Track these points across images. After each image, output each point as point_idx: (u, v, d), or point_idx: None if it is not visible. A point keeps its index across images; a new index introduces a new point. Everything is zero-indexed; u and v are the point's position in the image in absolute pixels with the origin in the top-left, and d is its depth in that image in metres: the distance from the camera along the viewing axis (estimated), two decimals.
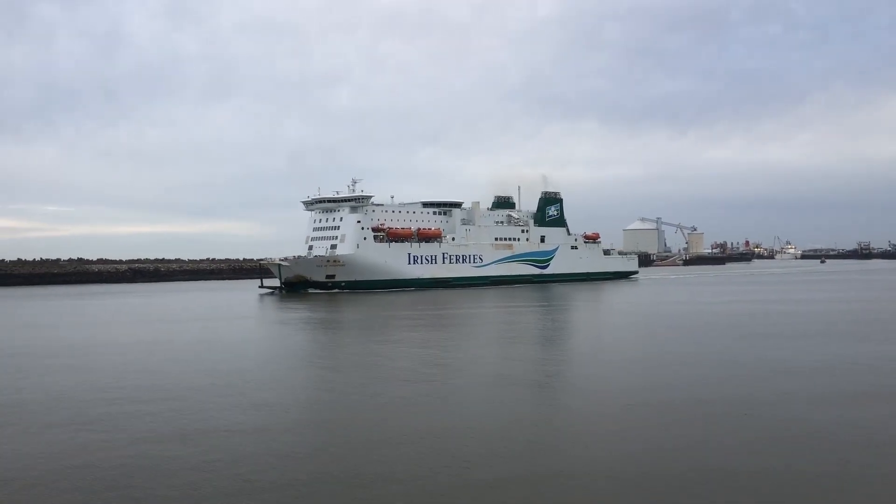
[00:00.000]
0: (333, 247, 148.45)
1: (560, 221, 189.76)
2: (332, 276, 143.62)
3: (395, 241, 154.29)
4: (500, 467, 26.17)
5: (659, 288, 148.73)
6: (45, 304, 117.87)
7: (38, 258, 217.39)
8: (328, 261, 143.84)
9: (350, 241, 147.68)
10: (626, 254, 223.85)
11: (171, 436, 30.25)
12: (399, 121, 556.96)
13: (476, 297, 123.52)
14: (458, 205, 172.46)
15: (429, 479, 24.94)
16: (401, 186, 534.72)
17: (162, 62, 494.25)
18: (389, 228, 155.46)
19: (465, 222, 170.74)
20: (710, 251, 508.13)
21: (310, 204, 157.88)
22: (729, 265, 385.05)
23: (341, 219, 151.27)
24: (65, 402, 37.12)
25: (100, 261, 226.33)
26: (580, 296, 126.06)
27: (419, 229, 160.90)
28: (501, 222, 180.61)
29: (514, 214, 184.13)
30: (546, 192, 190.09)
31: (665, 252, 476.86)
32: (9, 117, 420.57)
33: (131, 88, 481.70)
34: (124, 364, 49.75)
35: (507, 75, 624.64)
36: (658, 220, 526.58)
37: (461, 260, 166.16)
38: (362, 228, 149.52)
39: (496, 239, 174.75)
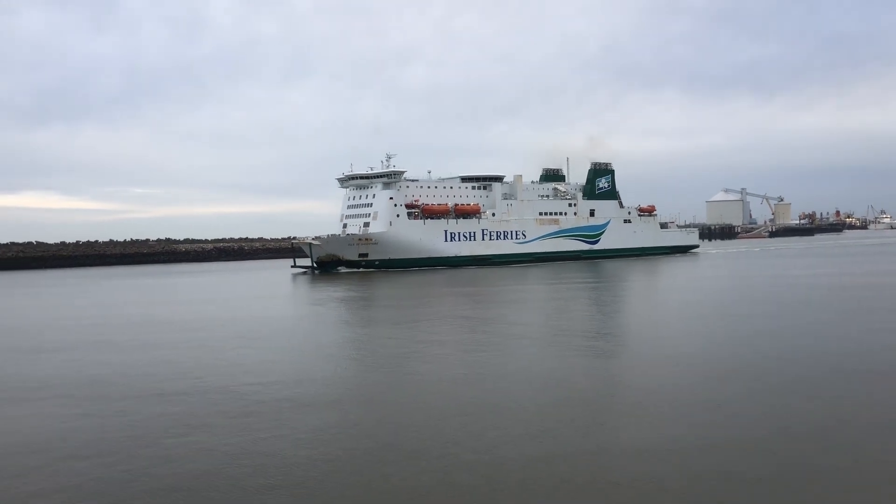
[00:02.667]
0: (366, 225, 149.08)
1: (611, 194, 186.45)
2: (365, 255, 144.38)
3: (431, 218, 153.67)
4: (547, 444, 25.51)
5: (726, 262, 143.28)
6: (142, 282, 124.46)
7: (128, 239, 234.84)
8: (360, 239, 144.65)
9: (382, 218, 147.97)
10: (686, 227, 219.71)
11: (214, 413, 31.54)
12: (474, 96, 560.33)
13: (518, 274, 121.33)
14: (499, 178, 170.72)
15: (470, 454, 24.51)
16: (473, 162, 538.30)
17: (242, 45, 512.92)
18: (424, 205, 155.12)
19: (506, 197, 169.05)
20: (797, 222, 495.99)
21: (343, 181, 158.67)
22: (818, 236, 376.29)
23: (374, 196, 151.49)
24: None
25: (186, 241, 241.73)
26: (634, 271, 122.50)
27: (456, 205, 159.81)
28: (547, 196, 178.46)
29: (560, 188, 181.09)
30: (596, 164, 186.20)
31: (750, 224, 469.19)
32: (99, 104, 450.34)
33: (213, 72, 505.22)
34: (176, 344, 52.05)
35: (585, 45, 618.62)
36: (742, 191, 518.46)
37: (502, 236, 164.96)
38: (395, 205, 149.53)
39: (541, 214, 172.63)
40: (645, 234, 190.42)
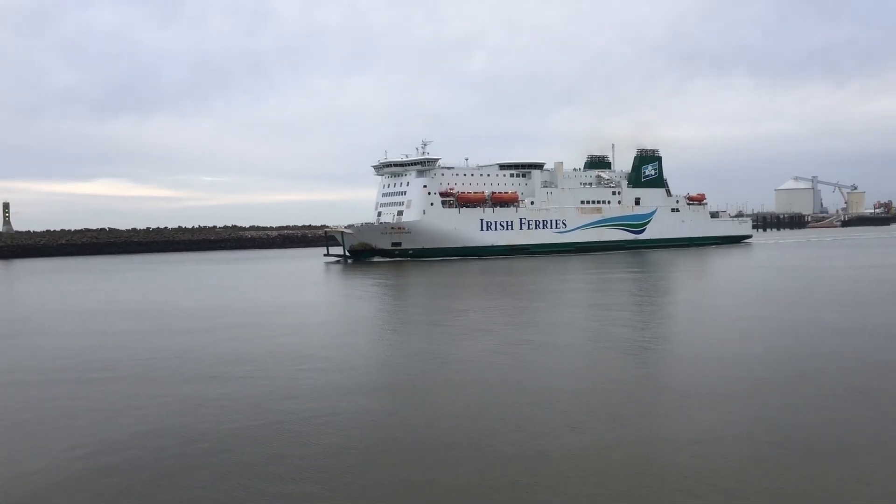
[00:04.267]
0: (400, 213, 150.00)
1: (658, 181, 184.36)
2: (398, 244, 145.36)
3: (466, 206, 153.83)
4: (586, 436, 25.79)
5: (780, 252, 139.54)
6: (205, 268, 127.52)
7: (196, 226, 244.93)
8: (392, 228, 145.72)
9: (416, 206, 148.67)
10: (738, 216, 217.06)
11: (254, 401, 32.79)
12: (534, 83, 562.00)
13: (558, 264, 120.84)
14: (538, 166, 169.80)
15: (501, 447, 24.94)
16: (534, 149, 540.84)
17: (305, 36, 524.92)
18: (460, 193, 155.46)
19: (546, 185, 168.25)
20: (872, 211, 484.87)
21: (378, 168, 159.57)
22: (895, 226, 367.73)
23: (408, 184, 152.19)
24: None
25: (252, 228, 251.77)
26: (681, 262, 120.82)
27: (493, 193, 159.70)
28: (589, 184, 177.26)
29: (604, 175, 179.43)
30: (642, 150, 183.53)
31: (821, 213, 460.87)
32: (168, 95, 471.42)
33: (277, 63, 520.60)
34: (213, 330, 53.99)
35: (649, 31, 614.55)
36: (813, 179, 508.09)
37: (541, 225, 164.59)
38: (429, 193, 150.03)
39: (582, 202, 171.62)
40: (694, 224, 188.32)
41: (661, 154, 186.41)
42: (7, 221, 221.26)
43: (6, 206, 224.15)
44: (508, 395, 30.88)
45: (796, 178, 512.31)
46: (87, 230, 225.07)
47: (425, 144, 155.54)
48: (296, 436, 25.92)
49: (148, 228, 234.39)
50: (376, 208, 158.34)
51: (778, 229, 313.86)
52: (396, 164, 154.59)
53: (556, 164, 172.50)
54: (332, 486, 21.32)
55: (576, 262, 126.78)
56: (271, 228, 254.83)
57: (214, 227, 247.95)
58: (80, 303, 74.18)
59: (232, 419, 28.22)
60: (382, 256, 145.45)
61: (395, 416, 28.51)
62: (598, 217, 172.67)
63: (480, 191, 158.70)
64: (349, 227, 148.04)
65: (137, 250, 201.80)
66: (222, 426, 27.33)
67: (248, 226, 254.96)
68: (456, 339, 45.57)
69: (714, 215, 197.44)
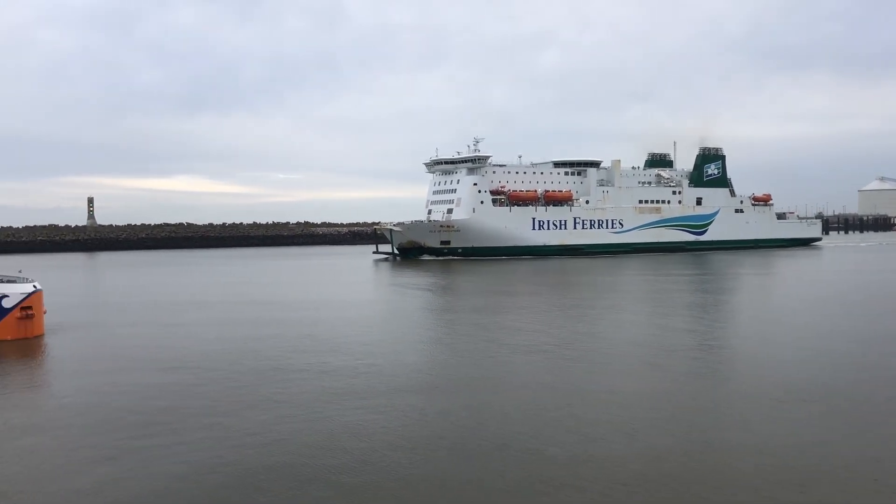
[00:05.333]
0: (450, 211, 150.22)
1: (721, 181, 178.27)
2: (448, 242, 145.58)
3: (518, 205, 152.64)
4: (637, 442, 25.73)
5: (855, 256, 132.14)
6: (278, 263, 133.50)
7: (270, 221, 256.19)
8: (442, 226, 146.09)
9: (466, 204, 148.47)
10: (810, 217, 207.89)
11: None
12: (608, 80, 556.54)
13: (614, 266, 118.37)
14: (595, 164, 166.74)
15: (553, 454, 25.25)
16: (604, 147, 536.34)
17: (378, 34, 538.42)
18: (511, 191, 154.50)
19: (602, 183, 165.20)
20: None
21: (430, 166, 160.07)
22: None
23: (458, 181, 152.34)
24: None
25: (323, 224, 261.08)
26: (745, 265, 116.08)
27: (546, 192, 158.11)
28: (648, 183, 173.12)
29: (664, 174, 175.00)
30: (704, 149, 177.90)
31: None
32: (246, 94, 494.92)
33: (350, 61, 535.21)
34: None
35: (727, 26, 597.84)
36: None
37: (596, 225, 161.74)
38: (479, 191, 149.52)
39: (640, 201, 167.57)
40: (759, 225, 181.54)
41: (726, 153, 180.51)
42: (91, 216, 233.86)
43: (90, 200, 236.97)
44: (561, 398, 30.93)
45: (882, 179, 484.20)
46: (167, 225, 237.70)
47: (477, 142, 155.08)
48: (348, 433, 26.63)
49: (224, 224, 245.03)
50: (427, 206, 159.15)
51: (861, 231, 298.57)
52: (447, 162, 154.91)
53: (613, 161, 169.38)
54: (380, 483, 21.86)
55: (633, 264, 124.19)
56: (342, 225, 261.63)
57: (287, 223, 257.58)
58: (162, 294, 78.11)
59: (287, 414, 29.28)
60: (431, 255, 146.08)
61: (446, 415, 28.91)
62: (656, 217, 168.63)
63: (533, 189, 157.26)
64: (398, 224, 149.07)
65: (214, 245, 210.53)
66: (277, 419, 28.44)
67: (319, 222, 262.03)
68: (508, 340, 45.76)
69: (781, 216, 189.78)
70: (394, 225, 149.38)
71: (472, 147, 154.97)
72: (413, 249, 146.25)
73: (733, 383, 33.87)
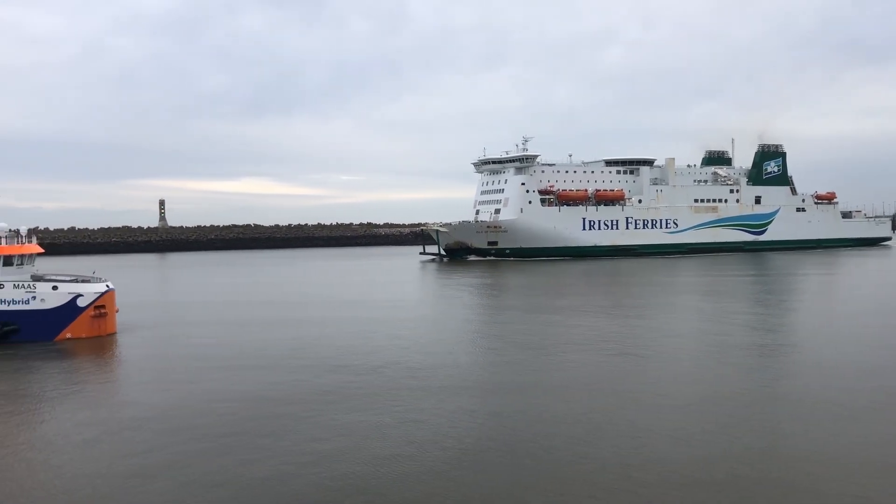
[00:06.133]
0: (497, 211, 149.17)
1: (782, 179, 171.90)
2: (495, 243, 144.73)
3: (567, 205, 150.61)
4: (686, 447, 25.60)
5: None
6: (341, 263, 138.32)
7: (334, 223, 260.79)
8: (489, 226, 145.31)
9: (513, 205, 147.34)
10: (875, 217, 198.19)
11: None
12: (672, 77, 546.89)
13: (668, 267, 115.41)
14: (648, 162, 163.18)
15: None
16: (669, 146, 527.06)
17: (440, 35, 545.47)
18: (561, 190, 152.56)
19: (655, 182, 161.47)
20: None
21: (478, 166, 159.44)
22: None
23: (506, 181, 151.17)
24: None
25: (385, 225, 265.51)
26: (808, 266, 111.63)
27: (597, 191, 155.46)
28: (704, 181, 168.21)
29: (720, 172, 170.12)
30: (764, 146, 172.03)
31: None
32: (310, 96, 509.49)
33: (412, 63, 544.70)
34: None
35: (798, 20, 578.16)
36: None
37: (649, 225, 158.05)
38: (527, 191, 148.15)
39: (696, 200, 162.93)
40: (822, 225, 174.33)
41: (787, 150, 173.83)
42: (163, 217, 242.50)
43: (162, 203, 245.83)
44: (613, 402, 30.79)
45: None
46: (234, 226, 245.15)
47: (525, 140, 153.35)
48: (399, 432, 27.09)
49: (289, 225, 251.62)
50: (475, 206, 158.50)
51: None
52: (494, 162, 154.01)
53: (667, 159, 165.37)
54: (425, 481, 22.23)
55: (688, 264, 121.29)
56: (403, 226, 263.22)
57: (350, 224, 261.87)
58: (229, 294, 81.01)
59: (346, 410, 29.98)
60: (478, 255, 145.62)
61: (497, 417, 29.08)
62: (713, 216, 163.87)
63: (583, 188, 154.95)
64: (445, 225, 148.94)
65: (279, 246, 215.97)
66: (336, 415, 29.12)
67: (381, 223, 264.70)
68: (559, 342, 45.61)
69: (846, 215, 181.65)
70: (440, 225, 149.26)
71: (521, 146, 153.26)
72: (460, 250, 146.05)
73: (795, 389, 33.01)
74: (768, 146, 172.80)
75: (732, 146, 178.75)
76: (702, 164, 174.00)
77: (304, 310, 65.17)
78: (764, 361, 38.71)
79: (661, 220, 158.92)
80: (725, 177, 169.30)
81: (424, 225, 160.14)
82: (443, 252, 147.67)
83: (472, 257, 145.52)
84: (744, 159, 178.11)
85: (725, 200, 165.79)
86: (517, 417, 28.73)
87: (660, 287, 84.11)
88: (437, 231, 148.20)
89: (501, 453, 24.57)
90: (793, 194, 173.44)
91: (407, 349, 43.72)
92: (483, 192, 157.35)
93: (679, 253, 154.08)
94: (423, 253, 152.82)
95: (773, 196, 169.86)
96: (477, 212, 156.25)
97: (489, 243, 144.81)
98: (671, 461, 23.27)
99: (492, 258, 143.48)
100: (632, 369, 37.11)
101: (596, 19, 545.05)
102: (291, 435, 26.85)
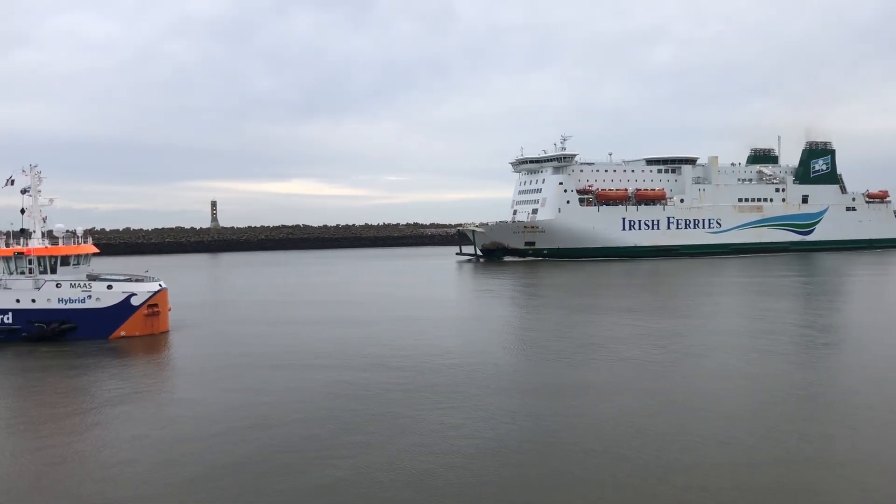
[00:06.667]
0: (535, 211, 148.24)
1: (830, 177, 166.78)
2: (532, 244, 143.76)
3: (607, 205, 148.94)
4: (727, 451, 25.61)
5: None
6: (387, 263, 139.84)
7: (381, 223, 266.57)
8: (526, 226, 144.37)
9: (551, 204, 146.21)
10: None
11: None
12: (724, 74, 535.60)
13: (711, 268, 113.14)
14: (690, 161, 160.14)
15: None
16: (717, 144, 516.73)
17: (487, 36, 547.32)
18: (600, 190, 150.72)
19: (698, 181, 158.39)
20: None
21: (515, 165, 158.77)
22: None
23: (543, 181, 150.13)
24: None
25: (432, 225, 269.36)
26: (860, 267, 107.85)
27: (637, 190, 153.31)
28: (749, 180, 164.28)
29: (766, 170, 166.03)
30: (811, 143, 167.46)
31: None
32: (358, 98, 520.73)
33: (459, 63, 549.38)
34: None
35: (856, 13, 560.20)
36: None
37: (691, 225, 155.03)
38: (565, 191, 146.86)
39: (740, 200, 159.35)
40: (873, 224, 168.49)
41: (836, 147, 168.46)
42: (214, 218, 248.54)
43: (214, 204, 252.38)
44: (656, 403, 30.82)
45: None
46: (284, 227, 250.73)
47: (564, 140, 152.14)
48: (437, 433, 27.59)
49: (337, 225, 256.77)
50: (512, 206, 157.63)
51: None
52: (532, 161, 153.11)
53: (710, 158, 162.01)
54: (463, 481, 22.65)
55: (732, 265, 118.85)
56: (450, 226, 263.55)
57: (397, 224, 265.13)
58: (277, 293, 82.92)
59: (382, 409, 30.61)
60: (515, 256, 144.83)
61: (537, 418, 29.39)
62: (757, 216, 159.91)
63: (623, 188, 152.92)
64: (481, 225, 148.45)
65: (328, 246, 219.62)
66: (371, 412, 29.86)
67: (428, 223, 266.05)
68: (600, 343, 45.57)
69: None
70: (476, 226, 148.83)
71: (559, 145, 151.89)
72: (496, 251, 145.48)
73: (844, 394, 32.44)
74: (816, 143, 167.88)
75: (779, 144, 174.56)
76: (747, 162, 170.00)
77: (348, 309, 65.97)
78: (813, 365, 38.21)
79: (703, 220, 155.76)
80: (771, 175, 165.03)
81: (461, 225, 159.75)
82: (479, 252, 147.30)
83: (509, 258, 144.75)
84: (791, 157, 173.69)
85: (771, 199, 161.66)
86: (556, 419, 28.91)
87: (703, 288, 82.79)
88: (474, 231, 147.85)
89: (538, 455, 24.77)
90: (842, 193, 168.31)
91: (445, 348, 44.09)
92: (520, 192, 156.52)
93: (722, 253, 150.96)
94: (460, 253, 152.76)
95: (822, 195, 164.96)
96: (514, 212, 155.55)
97: (526, 243, 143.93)
98: (715, 466, 23.26)
99: (529, 259, 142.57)
100: (675, 371, 36.96)
101: (645, 17, 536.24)
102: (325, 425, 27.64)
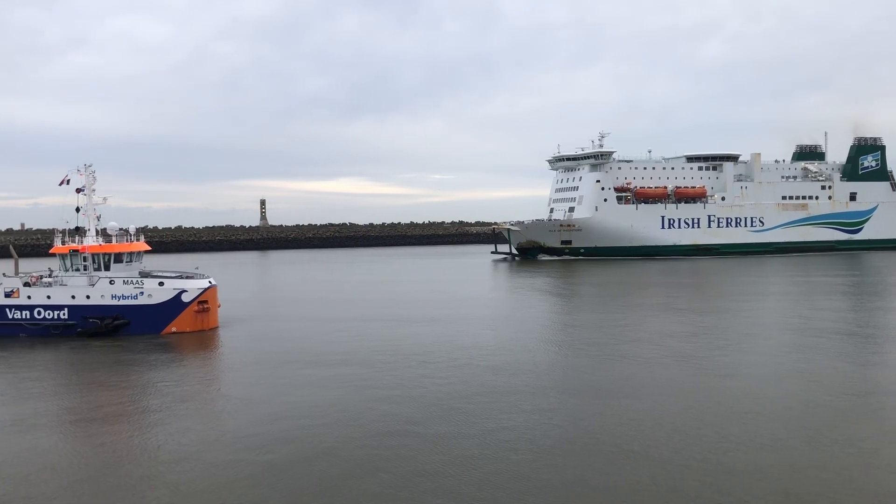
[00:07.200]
0: (571, 209, 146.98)
1: (880, 174, 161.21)
2: (568, 242, 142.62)
3: (645, 202, 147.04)
4: (772, 454, 25.60)
5: None
6: (433, 261, 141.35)
7: (426, 221, 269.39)
8: (562, 225, 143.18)
9: (588, 202, 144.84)
10: None
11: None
12: (777, 69, 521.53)
13: (754, 267, 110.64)
14: (732, 158, 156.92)
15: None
16: (763, 140, 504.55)
17: (533, 33, 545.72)
18: (638, 188, 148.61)
19: (740, 178, 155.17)
20: None
21: (552, 163, 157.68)
22: None
23: (580, 178, 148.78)
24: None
25: (477, 223, 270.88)
26: None
27: (677, 188, 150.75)
28: (793, 177, 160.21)
29: (811, 167, 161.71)
30: (860, 139, 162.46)
31: None
32: (404, 97, 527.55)
33: (505, 61, 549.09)
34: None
35: None
36: None
37: (733, 223, 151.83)
38: (602, 188, 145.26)
39: (784, 197, 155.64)
40: None
41: (886, 143, 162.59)
42: (263, 216, 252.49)
43: (263, 202, 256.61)
44: (698, 405, 30.81)
45: None
46: (331, 225, 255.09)
47: (602, 137, 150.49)
48: (478, 435, 28.02)
49: (383, 224, 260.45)
50: (549, 204, 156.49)
51: None
52: (569, 158, 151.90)
53: (752, 155, 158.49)
54: (500, 483, 23.07)
55: (776, 265, 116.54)
56: (495, 224, 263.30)
57: (443, 222, 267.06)
58: (324, 291, 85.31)
59: (421, 411, 31.35)
60: (551, 255, 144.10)
61: (575, 418, 29.58)
62: (802, 214, 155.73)
63: (662, 185, 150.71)
64: (517, 223, 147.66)
65: (374, 244, 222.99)
66: (413, 413, 30.70)
67: (473, 221, 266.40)
68: (641, 342, 45.46)
69: None
70: (512, 224, 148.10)
71: (596, 142, 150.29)
72: (532, 249, 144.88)
73: (893, 399, 31.98)
74: (865, 139, 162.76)
75: (826, 140, 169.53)
76: (792, 159, 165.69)
77: (392, 307, 66.88)
78: (860, 368, 37.52)
79: (745, 219, 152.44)
80: (817, 172, 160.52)
81: (495, 224, 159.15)
82: (514, 251, 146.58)
83: (545, 257, 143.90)
84: (839, 154, 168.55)
85: (816, 197, 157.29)
86: (596, 420, 29.02)
87: (747, 287, 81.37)
88: (509, 230, 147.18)
89: (579, 456, 24.90)
90: (893, 190, 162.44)
91: (484, 348, 44.44)
92: (557, 190, 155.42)
93: (765, 253, 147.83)
94: (495, 252, 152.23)
95: (871, 192, 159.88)
96: (551, 210, 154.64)
97: (562, 242, 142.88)
98: (758, 469, 23.22)
99: (565, 258, 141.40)
100: (718, 373, 36.70)
101: (695, 12, 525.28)
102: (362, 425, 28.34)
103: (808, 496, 21.08)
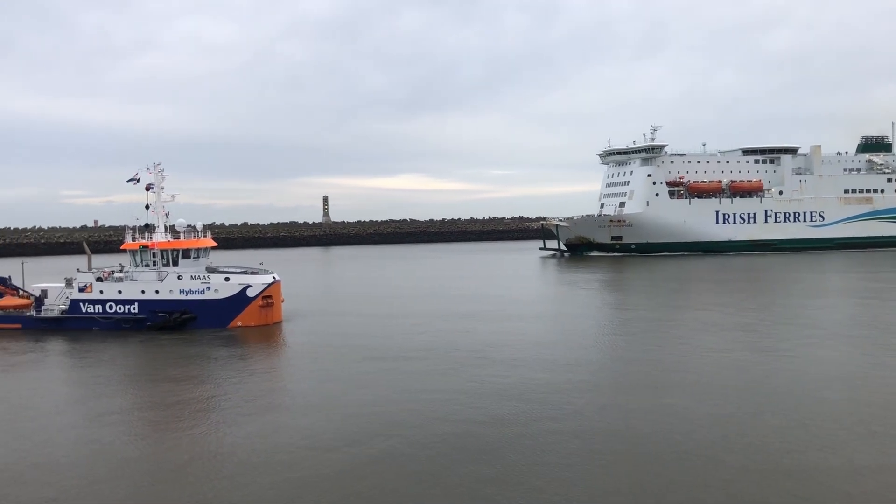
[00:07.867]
0: (622, 204, 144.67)
1: None
2: (619, 238, 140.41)
3: (698, 197, 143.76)
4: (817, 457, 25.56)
5: None
6: (491, 257, 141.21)
7: (486, 217, 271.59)
8: (612, 220, 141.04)
9: (639, 197, 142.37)
10: None
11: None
12: (851, 59, 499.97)
13: (814, 264, 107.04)
14: (791, 150, 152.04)
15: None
16: (827, 132, 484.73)
17: (595, 26, 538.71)
18: (691, 182, 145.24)
19: (798, 171, 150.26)
20: None
21: (603, 157, 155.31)
22: None
23: (631, 173, 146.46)
24: None
25: (538, 218, 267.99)
26: None
27: (731, 182, 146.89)
28: (857, 170, 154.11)
29: (876, 160, 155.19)
30: None
31: None
32: (463, 93, 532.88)
33: (566, 55, 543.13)
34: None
35: None
36: None
37: (791, 218, 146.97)
38: (654, 183, 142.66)
39: (846, 191, 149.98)
40: None
41: None
42: (326, 213, 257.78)
43: (325, 199, 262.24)
44: (753, 405, 30.72)
45: None
46: (392, 221, 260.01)
47: (654, 130, 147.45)
48: (527, 438, 28.22)
49: (443, 220, 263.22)
50: (599, 199, 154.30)
51: None
52: (619, 152, 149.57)
53: (812, 147, 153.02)
54: (558, 487, 23.62)
55: (837, 261, 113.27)
56: (543, 219, 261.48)
57: (503, 218, 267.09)
58: (384, 286, 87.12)
59: (464, 411, 31.95)
60: (601, 251, 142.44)
61: (627, 419, 29.65)
62: (866, 209, 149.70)
63: (716, 179, 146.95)
64: (566, 219, 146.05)
65: (434, 240, 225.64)
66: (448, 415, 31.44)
67: (534, 216, 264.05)
68: (695, 340, 45.18)
69: None
70: (561, 220, 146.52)
71: (648, 136, 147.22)
72: (581, 246, 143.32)
73: None
74: None
75: (893, 131, 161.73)
76: (857, 151, 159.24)
77: (451, 303, 67.54)
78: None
79: (804, 213, 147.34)
80: (883, 164, 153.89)
81: (543, 220, 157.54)
82: (563, 247, 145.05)
83: (595, 253, 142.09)
84: None
85: (882, 191, 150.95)
86: (644, 417, 29.10)
87: (808, 284, 79.55)
88: (557, 226, 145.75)
89: (624, 455, 24.91)
90: None
91: (534, 344, 44.73)
92: (608, 185, 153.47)
93: (825, 248, 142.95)
94: (544, 248, 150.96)
95: None
96: (602, 205, 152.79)
97: (613, 238, 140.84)
98: (817, 470, 23.13)
99: (615, 254, 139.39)
100: (774, 372, 36.39)
101: (763, 1, 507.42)
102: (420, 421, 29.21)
103: (873, 496, 20.69)
